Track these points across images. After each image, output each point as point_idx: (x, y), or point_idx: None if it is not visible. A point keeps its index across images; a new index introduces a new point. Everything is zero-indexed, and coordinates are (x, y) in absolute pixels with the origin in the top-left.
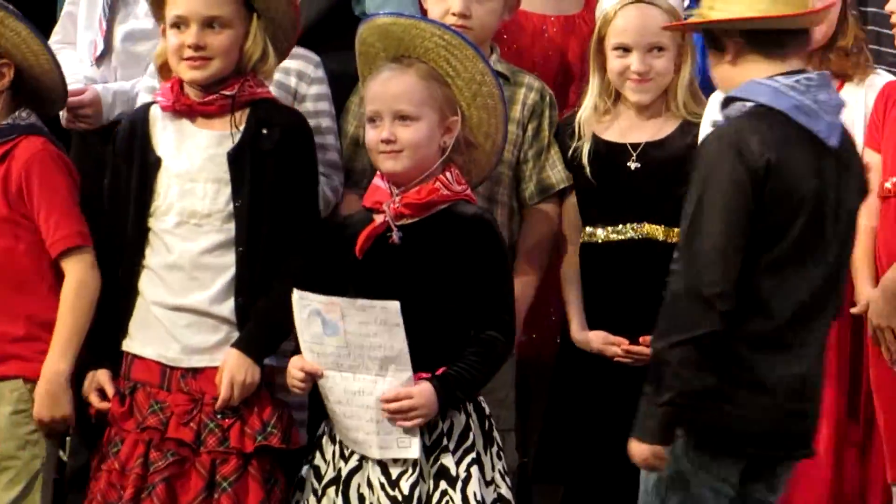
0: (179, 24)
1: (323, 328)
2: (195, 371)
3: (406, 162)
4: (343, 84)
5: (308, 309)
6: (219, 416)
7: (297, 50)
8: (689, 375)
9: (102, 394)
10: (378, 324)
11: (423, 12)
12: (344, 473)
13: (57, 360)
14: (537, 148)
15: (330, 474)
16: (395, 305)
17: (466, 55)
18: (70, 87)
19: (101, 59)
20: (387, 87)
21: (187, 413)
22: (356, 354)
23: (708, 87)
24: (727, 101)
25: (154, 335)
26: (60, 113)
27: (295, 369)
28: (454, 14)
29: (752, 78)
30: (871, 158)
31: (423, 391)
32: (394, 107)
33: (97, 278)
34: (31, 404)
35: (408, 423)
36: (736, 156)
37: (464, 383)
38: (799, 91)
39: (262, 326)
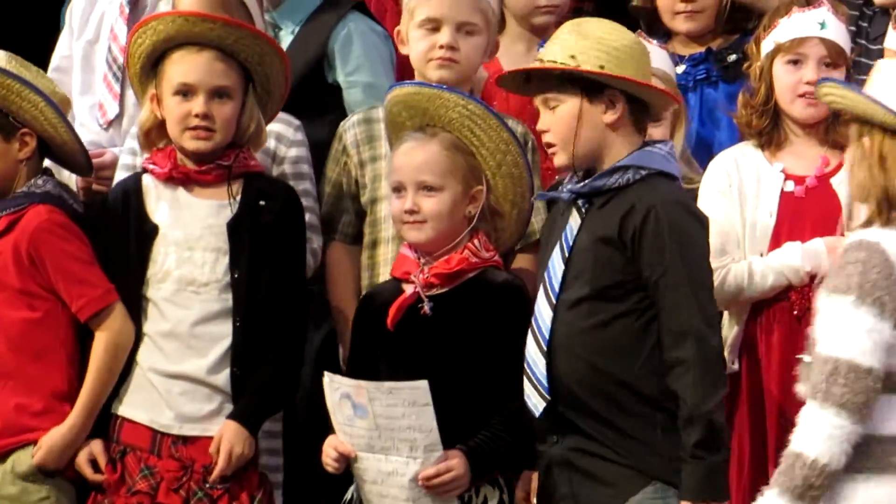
0: (186, 92)
1: (353, 411)
2: (186, 439)
3: (430, 232)
4: (317, 150)
5: (338, 392)
6: (208, 486)
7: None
8: None
9: (94, 464)
10: (407, 405)
11: (398, 54)
12: None
13: (80, 418)
14: None
15: None
16: (423, 385)
17: (490, 125)
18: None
19: (112, 122)
20: (410, 158)
21: (177, 480)
22: (387, 436)
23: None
24: (613, 171)
25: (148, 400)
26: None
27: (329, 448)
28: (442, 46)
29: (615, 143)
30: None
31: (459, 463)
32: (417, 177)
33: (131, 329)
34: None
35: (447, 496)
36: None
37: (492, 453)
38: (674, 159)
39: (259, 399)
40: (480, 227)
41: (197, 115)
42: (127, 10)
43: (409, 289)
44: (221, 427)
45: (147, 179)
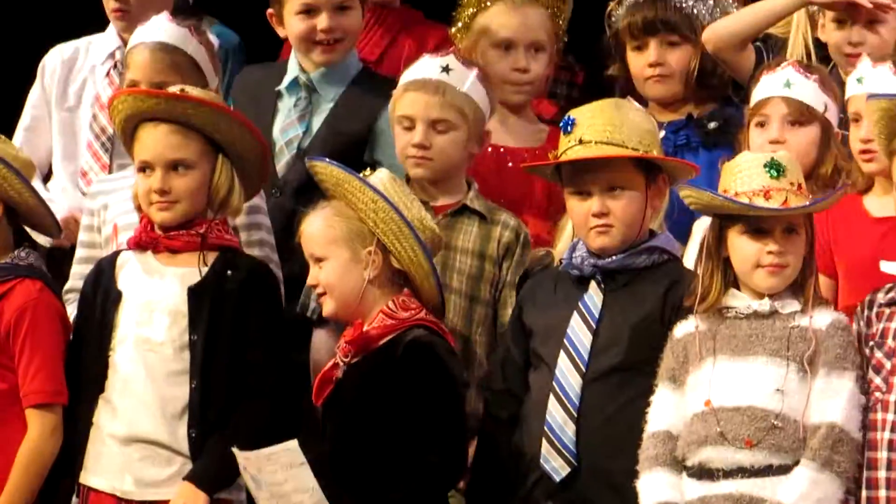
0: (145, 167)
1: (254, 483)
2: (148, 503)
3: (332, 303)
4: None
5: (241, 466)
6: None
7: None
8: None
9: None
10: (285, 469)
11: None
12: None
13: None
14: (503, 285)
15: None
16: (293, 445)
17: (355, 186)
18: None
19: None
20: (302, 235)
21: None
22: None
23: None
24: (646, 249)
25: (108, 466)
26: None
27: None
28: (414, 146)
29: (645, 222)
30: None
31: None
32: (307, 250)
33: (55, 445)
34: None
35: None
36: None
37: None
38: None
39: (215, 461)
40: (395, 289)
41: (155, 191)
42: (116, 80)
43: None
44: (179, 487)
45: (124, 255)
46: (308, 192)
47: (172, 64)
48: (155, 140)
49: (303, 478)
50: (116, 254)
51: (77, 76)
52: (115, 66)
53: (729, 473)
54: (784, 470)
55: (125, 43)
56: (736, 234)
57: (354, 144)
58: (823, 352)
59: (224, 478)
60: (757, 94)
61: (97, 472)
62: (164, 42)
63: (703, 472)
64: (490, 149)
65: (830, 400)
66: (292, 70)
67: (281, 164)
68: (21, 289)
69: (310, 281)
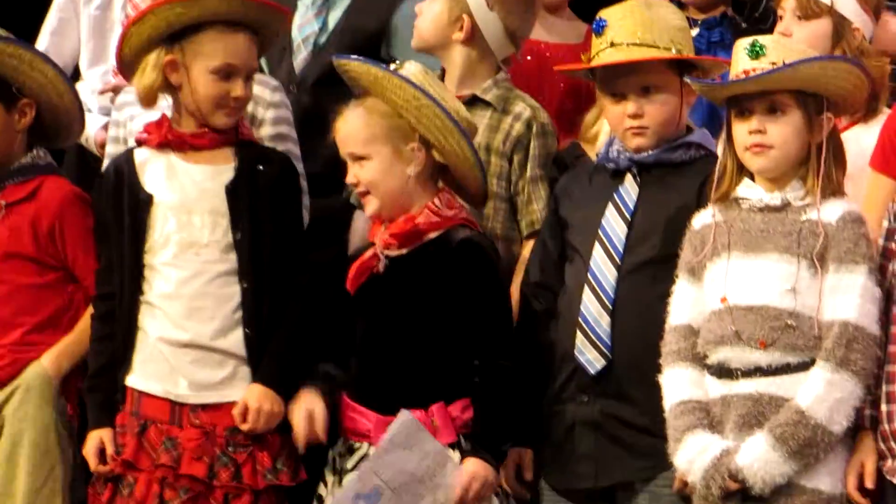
0: (231, 73)
1: (390, 493)
2: (205, 406)
3: (376, 201)
4: None
5: (349, 499)
6: (231, 450)
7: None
8: None
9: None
10: (406, 448)
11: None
12: None
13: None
14: (525, 181)
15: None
16: (406, 416)
17: (394, 83)
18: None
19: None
20: (337, 133)
21: (200, 448)
22: (408, 490)
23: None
24: (683, 145)
25: (160, 371)
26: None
27: None
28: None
29: (682, 119)
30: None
31: (476, 467)
32: (346, 150)
33: None
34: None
35: (487, 500)
36: None
37: (492, 431)
38: None
39: (281, 366)
40: (443, 184)
41: (237, 98)
42: None
43: (369, 252)
44: (248, 390)
45: (140, 153)
46: (325, 87)
47: None
48: (239, 46)
49: (426, 442)
50: (130, 152)
51: None
52: None
53: (747, 373)
54: (803, 367)
55: None
56: (732, 118)
57: (370, 40)
58: (833, 246)
59: (292, 382)
60: None
61: (148, 376)
62: None
63: (723, 371)
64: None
65: (842, 296)
66: None
67: (298, 61)
68: (52, 186)
69: (350, 180)
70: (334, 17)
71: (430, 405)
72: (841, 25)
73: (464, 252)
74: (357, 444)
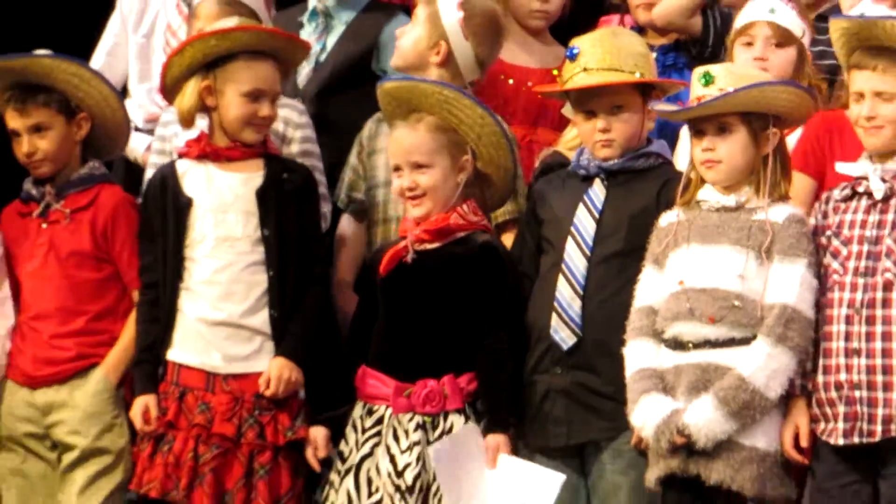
0: (259, 96)
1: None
2: (235, 376)
3: (429, 204)
4: (357, 132)
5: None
6: (257, 412)
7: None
8: None
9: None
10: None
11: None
12: (356, 459)
13: (112, 370)
14: None
15: (351, 460)
16: (471, 425)
17: (465, 104)
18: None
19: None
20: (401, 143)
21: (230, 410)
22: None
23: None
24: (644, 154)
25: (198, 346)
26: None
27: None
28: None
29: (643, 132)
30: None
31: (497, 438)
32: (409, 159)
33: None
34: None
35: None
36: None
37: (502, 404)
38: None
39: (300, 342)
40: (470, 195)
41: (264, 117)
42: (185, 10)
43: (403, 243)
44: (271, 362)
45: (181, 164)
46: (322, 99)
47: (236, 15)
48: (267, 73)
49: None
50: (173, 163)
51: (150, 6)
52: None
53: (698, 345)
54: (744, 342)
55: None
56: (691, 137)
57: (363, 56)
58: (779, 241)
59: (308, 355)
60: (743, 18)
61: (187, 350)
62: None
63: (677, 344)
64: (513, 70)
65: (784, 283)
66: (311, 2)
67: (301, 77)
68: (108, 193)
69: (407, 184)
70: (332, 39)
71: (442, 376)
72: (803, 52)
73: (486, 253)
74: (375, 407)
